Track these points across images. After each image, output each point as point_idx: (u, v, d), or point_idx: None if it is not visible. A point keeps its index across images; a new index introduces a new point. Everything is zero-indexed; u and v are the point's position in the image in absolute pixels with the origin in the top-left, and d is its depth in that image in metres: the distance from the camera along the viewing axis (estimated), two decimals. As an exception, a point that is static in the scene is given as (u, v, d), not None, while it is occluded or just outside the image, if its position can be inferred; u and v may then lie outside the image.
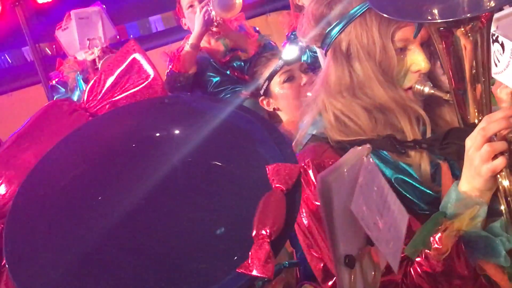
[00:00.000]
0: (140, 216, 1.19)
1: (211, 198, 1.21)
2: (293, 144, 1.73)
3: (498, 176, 1.38)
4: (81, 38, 3.75)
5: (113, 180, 1.25)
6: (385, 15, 1.44)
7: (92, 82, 1.45)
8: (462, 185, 1.43)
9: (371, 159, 1.16)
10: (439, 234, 1.39)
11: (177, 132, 1.29)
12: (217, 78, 3.88)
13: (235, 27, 3.94)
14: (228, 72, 3.85)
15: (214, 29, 3.82)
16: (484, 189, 1.41)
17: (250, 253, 1.07)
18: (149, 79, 1.41)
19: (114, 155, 1.28)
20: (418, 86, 1.59)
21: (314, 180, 1.56)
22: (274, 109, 2.91)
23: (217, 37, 3.90)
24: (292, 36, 3.64)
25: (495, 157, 1.38)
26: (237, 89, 3.65)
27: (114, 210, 1.19)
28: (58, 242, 1.15)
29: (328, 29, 1.63)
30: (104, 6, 3.94)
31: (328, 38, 1.64)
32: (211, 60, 3.91)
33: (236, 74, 3.76)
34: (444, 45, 1.39)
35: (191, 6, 3.90)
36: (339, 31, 1.61)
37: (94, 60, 3.77)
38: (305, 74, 2.87)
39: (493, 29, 1.72)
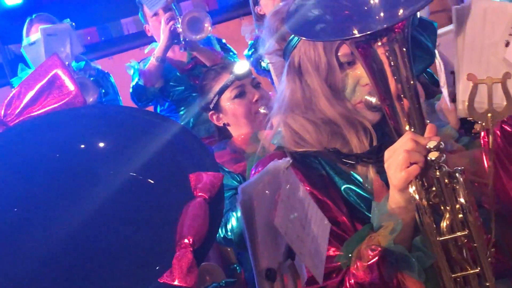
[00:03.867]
0: (63, 232, 1.17)
1: (135, 209, 1.20)
2: (257, 153, 1.77)
3: (411, 189, 1.38)
4: (48, 54, 3.66)
5: (33, 193, 1.22)
6: (307, 39, 1.46)
7: (10, 96, 1.39)
8: (390, 199, 1.45)
9: (292, 172, 1.17)
10: (364, 246, 1.42)
11: (99, 144, 1.28)
12: (181, 87, 3.87)
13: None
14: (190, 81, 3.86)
15: (180, 44, 3.81)
16: (402, 202, 1.42)
17: (172, 262, 1.07)
18: (71, 96, 1.37)
19: (35, 165, 1.25)
20: (367, 97, 1.60)
21: None
22: (224, 124, 2.83)
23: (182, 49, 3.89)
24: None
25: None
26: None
27: (33, 227, 1.17)
28: None
29: (286, 44, 1.66)
30: (73, 23, 3.85)
31: (287, 53, 1.67)
32: (174, 69, 3.90)
33: (197, 82, 3.75)
34: (365, 60, 1.41)
35: (155, 14, 3.88)
36: (293, 46, 1.64)
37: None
38: (257, 89, 2.80)
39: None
